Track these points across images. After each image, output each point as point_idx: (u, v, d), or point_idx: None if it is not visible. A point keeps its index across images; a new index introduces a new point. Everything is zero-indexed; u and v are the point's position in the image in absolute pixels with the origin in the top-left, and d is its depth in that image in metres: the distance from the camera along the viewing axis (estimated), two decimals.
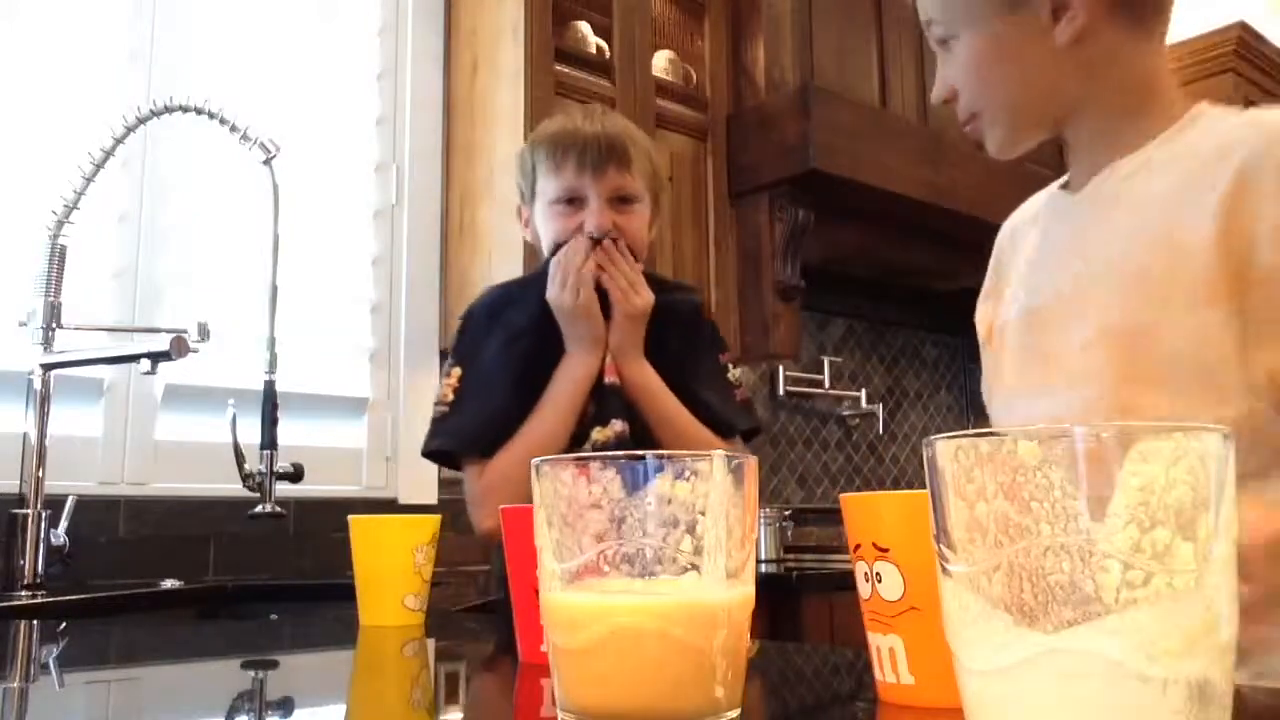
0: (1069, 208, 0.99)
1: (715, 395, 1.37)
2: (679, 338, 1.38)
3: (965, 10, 0.96)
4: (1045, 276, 0.97)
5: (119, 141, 1.50)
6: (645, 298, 1.33)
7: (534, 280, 1.41)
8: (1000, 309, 1.05)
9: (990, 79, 0.96)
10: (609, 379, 1.34)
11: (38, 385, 1.46)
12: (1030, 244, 1.04)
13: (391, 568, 0.94)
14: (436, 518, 0.98)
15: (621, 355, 1.33)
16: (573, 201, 1.34)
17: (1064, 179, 1.05)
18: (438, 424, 1.35)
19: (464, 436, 1.34)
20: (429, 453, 1.37)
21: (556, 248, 1.35)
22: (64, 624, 1.16)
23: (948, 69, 0.98)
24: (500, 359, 1.35)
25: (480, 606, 1.35)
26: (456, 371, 1.37)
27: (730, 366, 1.44)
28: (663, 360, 1.34)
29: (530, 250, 1.95)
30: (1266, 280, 0.81)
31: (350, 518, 0.98)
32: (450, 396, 1.35)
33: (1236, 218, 0.82)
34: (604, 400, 1.33)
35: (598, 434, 1.32)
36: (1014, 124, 0.99)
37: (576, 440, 1.31)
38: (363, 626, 0.94)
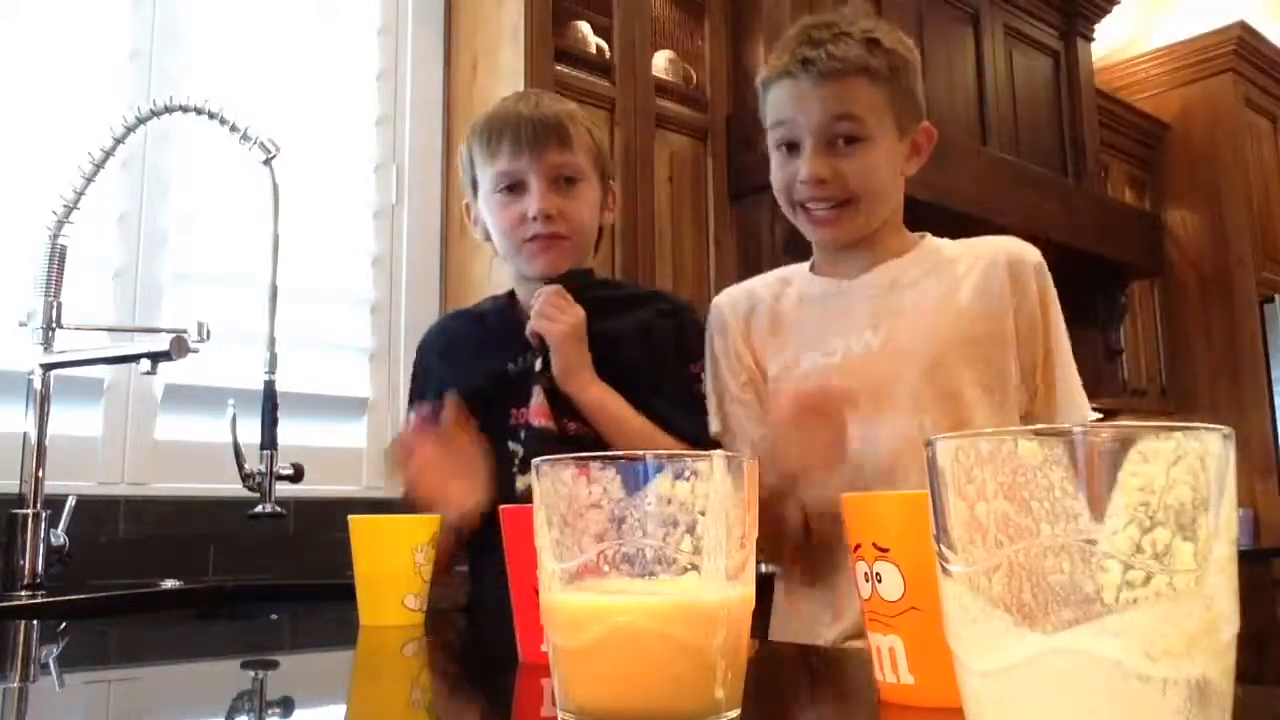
0: (848, 289, 1.23)
1: (678, 411, 1.26)
2: (639, 351, 1.28)
3: (891, 123, 1.18)
4: (843, 340, 1.20)
5: (119, 141, 1.50)
6: (566, 317, 1.23)
7: (483, 312, 1.39)
8: (783, 362, 1.24)
9: (882, 179, 1.19)
10: (537, 422, 1.24)
11: (38, 385, 1.46)
12: (810, 316, 1.25)
13: (392, 568, 0.94)
14: (437, 517, 0.98)
15: (569, 379, 1.23)
16: (513, 188, 1.26)
17: (809, 265, 1.30)
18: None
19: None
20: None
21: (506, 240, 1.28)
22: (64, 624, 1.16)
23: (841, 161, 1.16)
24: (440, 392, 1.28)
25: (468, 608, 1.35)
26: (412, 417, 1.36)
27: (703, 376, 1.31)
28: (620, 378, 1.24)
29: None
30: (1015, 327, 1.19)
31: (350, 518, 0.98)
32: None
33: (990, 299, 1.18)
34: (534, 444, 1.22)
35: (521, 482, 1.22)
36: (872, 218, 1.20)
37: (501, 491, 1.19)
38: (363, 627, 0.94)
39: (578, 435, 1.23)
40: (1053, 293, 1.21)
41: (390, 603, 0.94)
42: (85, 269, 1.69)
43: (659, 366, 1.29)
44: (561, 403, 1.24)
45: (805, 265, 1.32)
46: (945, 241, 1.27)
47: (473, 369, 1.29)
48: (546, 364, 1.24)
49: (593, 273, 1.36)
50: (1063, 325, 1.21)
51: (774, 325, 1.28)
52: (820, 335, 1.23)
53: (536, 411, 1.25)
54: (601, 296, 1.30)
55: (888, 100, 1.18)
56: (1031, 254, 1.22)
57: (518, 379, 1.27)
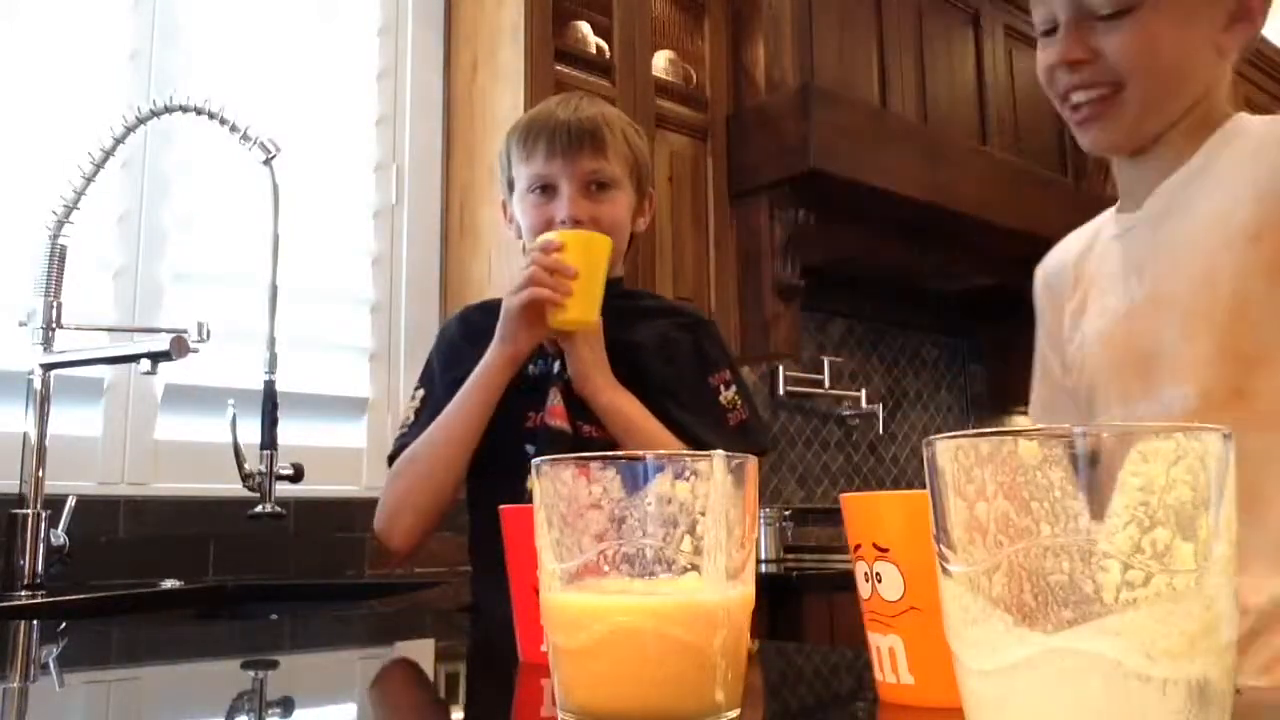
0: (1134, 225, 1.02)
1: (699, 420, 1.26)
2: (657, 360, 1.29)
3: None
4: (1114, 295, 1.02)
5: (119, 141, 1.50)
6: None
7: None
8: (1077, 335, 1.08)
9: (1161, 56, 0.93)
10: (553, 423, 1.25)
11: (38, 385, 1.46)
12: (1100, 268, 1.07)
13: (600, 274, 1.18)
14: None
15: (584, 382, 1.22)
16: (546, 190, 1.27)
17: (1116, 207, 1.09)
18: (400, 438, 1.36)
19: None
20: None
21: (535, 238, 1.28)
22: (64, 624, 1.16)
23: (1103, 37, 0.93)
24: (450, 386, 1.30)
25: (469, 608, 1.35)
26: (420, 393, 1.36)
27: (723, 388, 1.32)
28: (638, 387, 1.25)
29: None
30: None
31: (560, 231, 1.20)
32: (411, 419, 1.36)
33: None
34: (548, 445, 1.23)
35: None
36: (1150, 112, 0.95)
37: (512, 494, 1.22)
38: (557, 326, 1.19)
39: (593, 439, 1.23)
40: None
41: (596, 301, 1.17)
42: (85, 269, 1.69)
43: (677, 376, 1.29)
44: (578, 405, 1.24)
45: None
46: (1252, 122, 0.98)
47: None
48: (564, 366, 1.25)
49: (622, 281, 1.36)
50: None
51: (1074, 284, 1.11)
52: (1104, 291, 1.05)
53: (552, 412, 1.25)
54: (623, 306, 1.30)
55: None
56: None
57: (536, 382, 1.28)
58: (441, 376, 1.34)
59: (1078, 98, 0.97)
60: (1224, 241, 0.91)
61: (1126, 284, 1.00)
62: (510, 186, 1.33)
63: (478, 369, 1.25)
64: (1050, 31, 0.99)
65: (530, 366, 1.29)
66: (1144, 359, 0.96)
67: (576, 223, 1.25)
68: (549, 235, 1.21)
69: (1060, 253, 1.16)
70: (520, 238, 1.36)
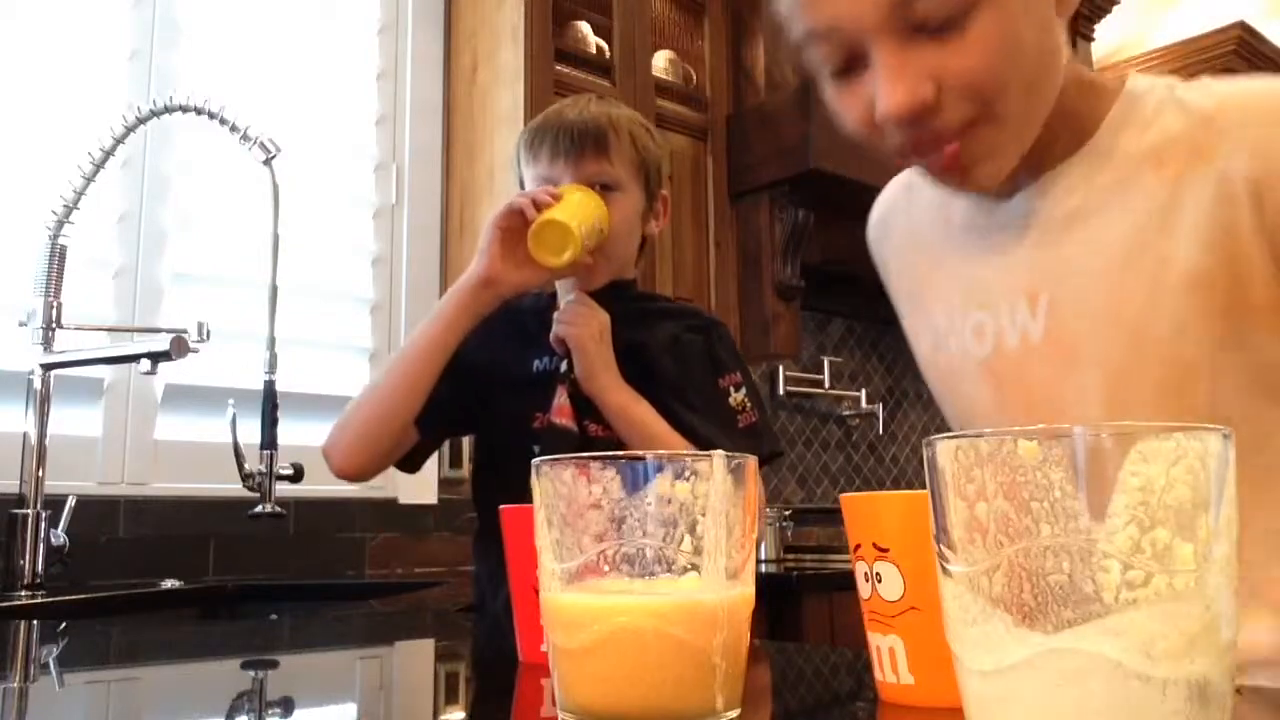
0: (1002, 216, 0.81)
1: (708, 422, 1.26)
2: (667, 361, 1.28)
3: None
4: (994, 317, 0.81)
5: (119, 141, 1.50)
6: (587, 322, 1.23)
7: (521, 308, 1.38)
8: (930, 341, 0.91)
9: (1025, 46, 0.69)
10: (559, 421, 1.24)
11: (38, 385, 1.46)
12: (959, 261, 0.86)
13: (591, 214, 1.18)
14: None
15: (591, 381, 1.21)
16: None
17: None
18: None
19: None
20: None
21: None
22: (64, 624, 1.16)
23: (944, 54, 0.68)
24: (458, 365, 1.27)
25: (468, 608, 1.35)
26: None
27: (733, 390, 1.31)
28: (648, 388, 1.24)
29: None
30: None
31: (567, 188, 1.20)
32: None
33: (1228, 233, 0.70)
34: (554, 444, 1.21)
35: None
36: (1031, 120, 0.73)
37: (517, 494, 1.20)
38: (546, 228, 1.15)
39: (599, 438, 1.23)
40: None
41: (585, 226, 1.15)
42: (85, 269, 1.69)
43: (687, 377, 1.28)
44: (585, 404, 1.24)
45: None
46: (1155, 96, 0.75)
47: (498, 359, 1.30)
48: (571, 365, 1.25)
49: (635, 284, 1.36)
50: None
51: (913, 245, 0.92)
52: (969, 296, 0.83)
53: (559, 411, 1.25)
54: (634, 308, 1.30)
55: None
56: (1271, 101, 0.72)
57: (542, 380, 1.28)
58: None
59: (919, 163, 0.75)
60: (1154, 282, 0.72)
61: (1012, 308, 0.79)
62: (522, 187, 1.33)
63: (447, 292, 1.23)
64: (845, 71, 0.72)
65: (536, 363, 1.29)
66: (1044, 411, 0.77)
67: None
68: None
69: (886, 209, 0.98)
70: None
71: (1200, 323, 0.70)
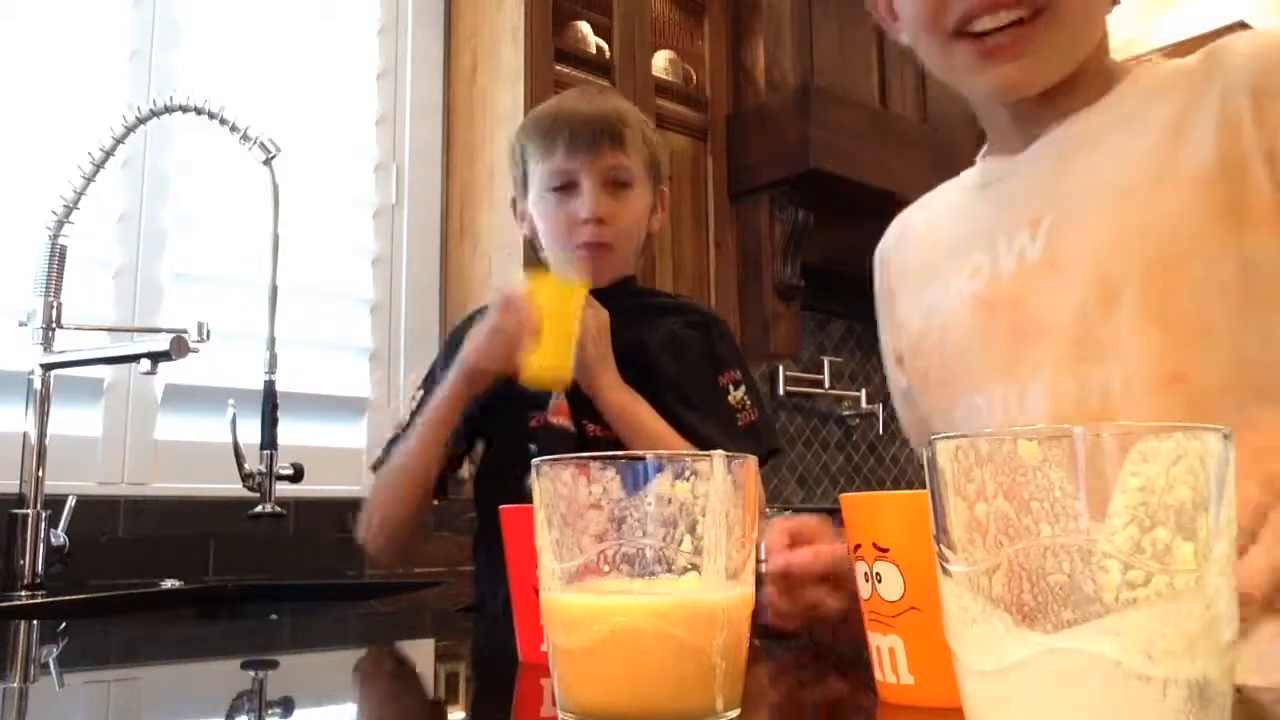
0: (1014, 167, 0.84)
1: (707, 421, 1.25)
2: (666, 359, 1.27)
3: None
4: (989, 251, 0.82)
5: (119, 141, 1.50)
6: (587, 317, 1.20)
7: None
8: (921, 315, 0.90)
9: None
10: (556, 421, 1.24)
11: (38, 385, 1.46)
12: (963, 226, 0.88)
13: (570, 325, 1.10)
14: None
15: (590, 379, 1.19)
16: (566, 188, 1.25)
17: (982, 154, 0.92)
18: (389, 443, 1.36)
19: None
20: (374, 468, 1.38)
21: (554, 240, 1.27)
22: (64, 624, 1.16)
23: None
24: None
25: (469, 608, 1.35)
26: (419, 394, 1.37)
27: (732, 388, 1.30)
28: (647, 387, 1.22)
29: (532, 249, 1.95)
30: None
31: (531, 276, 1.14)
32: (406, 420, 1.36)
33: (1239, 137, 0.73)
34: (551, 444, 1.21)
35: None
36: (1077, 35, 0.77)
37: (515, 494, 1.20)
38: (526, 379, 1.10)
39: (597, 438, 1.22)
40: None
41: (565, 354, 1.09)
42: (85, 269, 1.69)
43: (686, 375, 1.27)
44: (584, 404, 1.23)
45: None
46: (1168, 63, 0.81)
47: None
48: None
49: (635, 280, 1.36)
50: None
51: (926, 250, 0.93)
52: (963, 246, 0.85)
53: (555, 410, 1.24)
54: (634, 304, 1.29)
55: None
56: (1267, 43, 0.75)
57: None
58: (440, 374, 1.34)
59: (986, 23, 0.75)
60: (1158, 183, 0.74)
61: (1011, 238, 0.80)
62: (524, 184, 1.31)
63: (436, 392, 1.23)
64: None
65: None
66: (1037, 332, 0.76)
67: (599, 223, 1.23)
68: (513, 288, 1.16)
69: (901, 224, 1.00)
70: (534, 237, 1.33)
71: (1200, 210, 0.72)
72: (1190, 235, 0.72)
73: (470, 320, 1.42)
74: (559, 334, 1.11)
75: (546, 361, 1.11)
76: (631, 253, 1.31)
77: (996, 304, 0.80)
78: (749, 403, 1.30)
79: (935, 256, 0.90)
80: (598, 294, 1.26)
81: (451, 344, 1.40)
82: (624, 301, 1.27)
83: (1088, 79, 0.80)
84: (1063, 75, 0.77)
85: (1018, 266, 0.79)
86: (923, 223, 0.96)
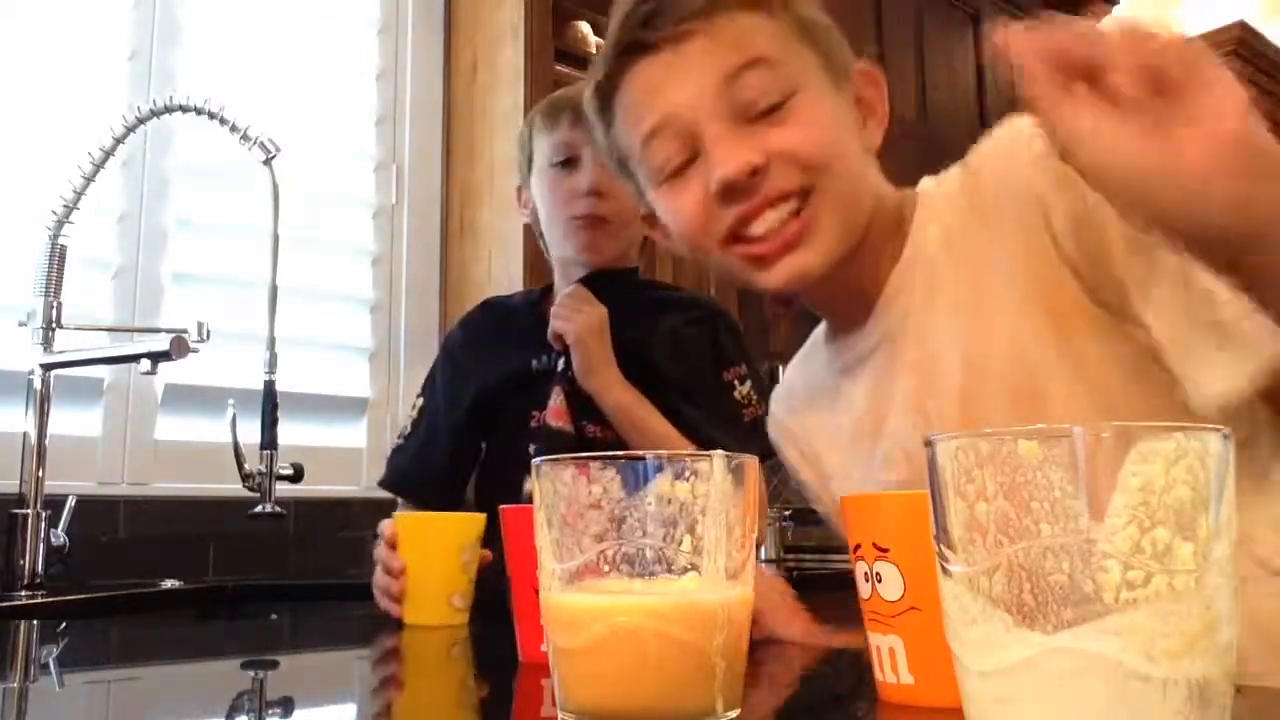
0: (859, 348, 0.83)
1: (711, 419, 1.24)
2: (668, 357, 1.26)
3: (818, 66, 0.77)
4: (867, 459, 0.82)
5: (119, 141, 1.50)
6: (583, 316, 1.20)
7: (513, 306, 1.37)
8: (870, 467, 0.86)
9: (840, 138, 0.77)
10: (554, 423, 1.22)
11: (38, 385, 1.46)
12: (837, 421, 0.87)
13: (440, 567, 0.93)
14: (482, 517, 0.96)
15: (589, 377, 1.19)
16: (568, 163, 1.25)
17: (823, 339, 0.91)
18: (392, 455, 1.35)
19: (400, 475, 1.34)
20: (381, 484, 1.37)
21: (557, 218, 1.25)
22: (64, 624, 1.16)
23: (768, 133, 0.74)
24: (452, 396, 1.29)
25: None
26: (419, 403, 1.36)
27: (737, 384, 1.29)
28: (650, 384, 1.22)
29: (532, 250, 1.95)
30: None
31: (397, 515, 0.97)
32: (408, 429, 1.36)
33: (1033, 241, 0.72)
34: (549, 446, 1.20)
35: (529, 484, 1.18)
36: (849, 208, 0.77)
37: (515, 496, 1.17)
38: (406, 625, 0.93)
39: (596, 439, 1.22)
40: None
41: (438, 602, 0.93)
42: (85, 269, 1.69)
43: (689, 373, 1.26)
44: (581, 405, 1.23)
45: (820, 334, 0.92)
46: (946, 180, 0.83)
47: (490, 368, 1.29)
48: (569, 364, 1.23)
49: (637, 272, 1.35)
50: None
51: (815, 437, 0.92)
52: (866, 434, 0.83)
53: (553, 413, 1.24)
54: (636, 299, 1.28)
55: (797, 32, 0.77)
56: (1013, 137, 0.75)
57: (540, 378, 1.26)
58: (441, 388, 1.34)
59: (762, 226, 0.74)
60: (989, 324, 0.74)
61: (903, 419, 0.79)
62: (529, 166, 1.31)
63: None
64: (681, 169, 0.76)
65: (534, 362, 1.28)
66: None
67: (598, 194, 1.21)
68: (386, 522, 1.01)
69: (783, 430, 0.97)
70: (535, 222, 1.33)
71: (1032, 334, 0.72)
72: (1032, 349, 0.72)
73: (466, 323, 1.41)
74: (430, 577, 0.94)
75: (416, 615, 0.94)
76: (631, 238, 1.29)
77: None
78: (754, 398, 1.29)
79: (838, 442, 0.88)
80: (599, 286, 1.25)
81: (447, 349, 1.40)
82: (625, 295, 1.26)
83: (883, 240, 0.80)
84: (844, 250, 0.76)
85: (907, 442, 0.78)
86: (803, 406, 0.94)
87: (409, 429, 1.37)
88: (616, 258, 1.29)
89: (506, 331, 1.33)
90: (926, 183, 0.84)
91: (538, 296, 1.35)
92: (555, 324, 1.23)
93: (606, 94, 0.80)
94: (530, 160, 1.31)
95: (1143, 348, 0.68)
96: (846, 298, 0.82)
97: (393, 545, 0.96)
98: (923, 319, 0.78)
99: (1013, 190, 0.73)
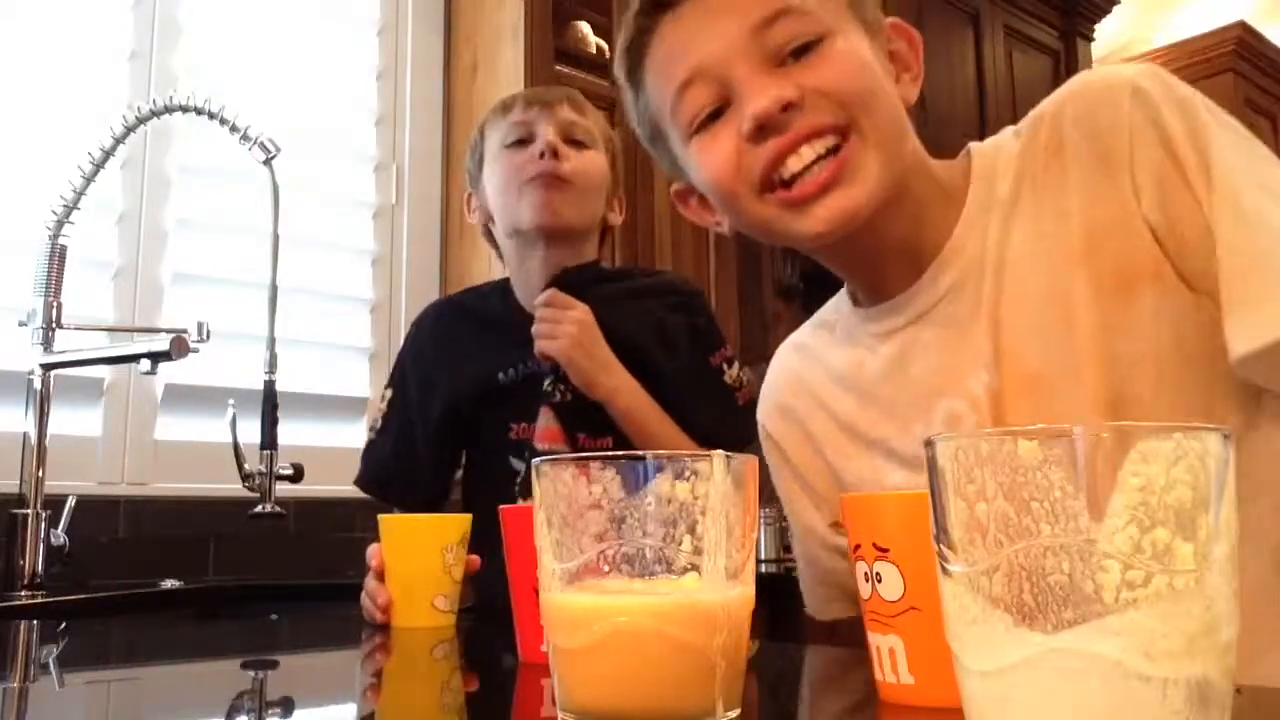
0: (927, 309, 0.78)
1: (709, 406, 1.22)
2: (660, 352, 1.23)
3: (849, 15, 0.74)
4: (962, 393, 0.75)
5: (119, 141, 1.50)
6: (568, 327, 1.16)
7: (485, 294, 1.34)
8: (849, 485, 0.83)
9: (876, 80, 0.73)
10: (544, 447, 1.19)
11: (38, 385, 1.46)
12: (871, 393, 0.82)
13: (422, 568, 0.93)
14: (467, 517, 0.96)
15: (593, 388, 1.17)
16: (523, 142, 1.21)
17: (845, 308, 0.86)
18: (365, 452, 1.34)
19: (379, 473, 1.33)
20: (357, 483, 1.36)
21: (510, 204, 1.21)
22: (64, 624, 1.16)
23: (803, 72, 0.72)
24: (425, 391, 1.27)
25: (469, 608, 1.35)
26: (388, 394, 1.35)
27: (726, 366, 1.27)
28: (648, 382, 1.19)
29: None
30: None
31: (381, 517, 0.96)
32: (379, 423, 1.35)
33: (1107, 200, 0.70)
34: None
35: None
36: (889, 148, 0.73)
37: (502, 503, 1.14)
38: (393, 628, 0.93)
39: (588, 446, 1.20)
40: (1178, 110, 0.68)
41: (421, 604, 0.93)
42: (85, 269, 1.69)
43: (681, 365, 1.25)
44: (572, 417, 1.21)
45: (842, 303, 0.89)
46: (993, 146, 0.79)
47: (456, 381, 1.27)
48: (556, 380, 1.20)
49: (599, 263, 1.34)
50: (1224, 144, 0.67)
51: (836, 390, 0.86)
52: (934, 391, 0.77)
53: (544, 435, 1.20)
54: (607, 290, 1.26)
55: None
56: (1115, 80, 0.71)
57: (511, 388, 1.24)
58: (411, 378, 1.33)
59: (793, 166, 0.71)
60: (1068, 269, 0.71)
61: (973, 379, 0.74)
62: (479, 167, 1.29)
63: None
64: (713, 117, 0.74)
65: (500, 375, 1.25)
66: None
67: (554, 154, 1.18)
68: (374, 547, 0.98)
69: (791, 382, 0.89)
70: (486, 226, 1.30)
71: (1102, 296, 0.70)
72: (1106, 317, 0.69)
73: (439, 318, 1.38)
74: (413, 579, 0.93)
75: (399, 617, 0.93)
76: (590, 213, 1.25)
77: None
78: (744, 379, 1.28)
79: (869, 407, 0.82)
80: (568, 284, 1.23)
81: (417, 341, 1.37)
82: (597, 288, 1.23)
83: (919, 191, 0.76)
84: (889, 192, 0.73)
85: (992, 402, 0.73)
86: (818, 379, 0.87)
87: (379, 423, 1.35)
88: (573, 233, 1.23)
89: (477, 337, 1.30)
90: (976, 144, 0.81)
91: (498, 298, 1.32)
92: (540, 344, 1.18)
93: (636, 55, 0.78)
94: (480, 161, 1.28)
95: (1208, 325, 0.65)
96: (895, 253, 0.77)
97: (380, 576, 0.95)
98: (997, 260, 0.73)
99: (1097, 129, 0.70)
